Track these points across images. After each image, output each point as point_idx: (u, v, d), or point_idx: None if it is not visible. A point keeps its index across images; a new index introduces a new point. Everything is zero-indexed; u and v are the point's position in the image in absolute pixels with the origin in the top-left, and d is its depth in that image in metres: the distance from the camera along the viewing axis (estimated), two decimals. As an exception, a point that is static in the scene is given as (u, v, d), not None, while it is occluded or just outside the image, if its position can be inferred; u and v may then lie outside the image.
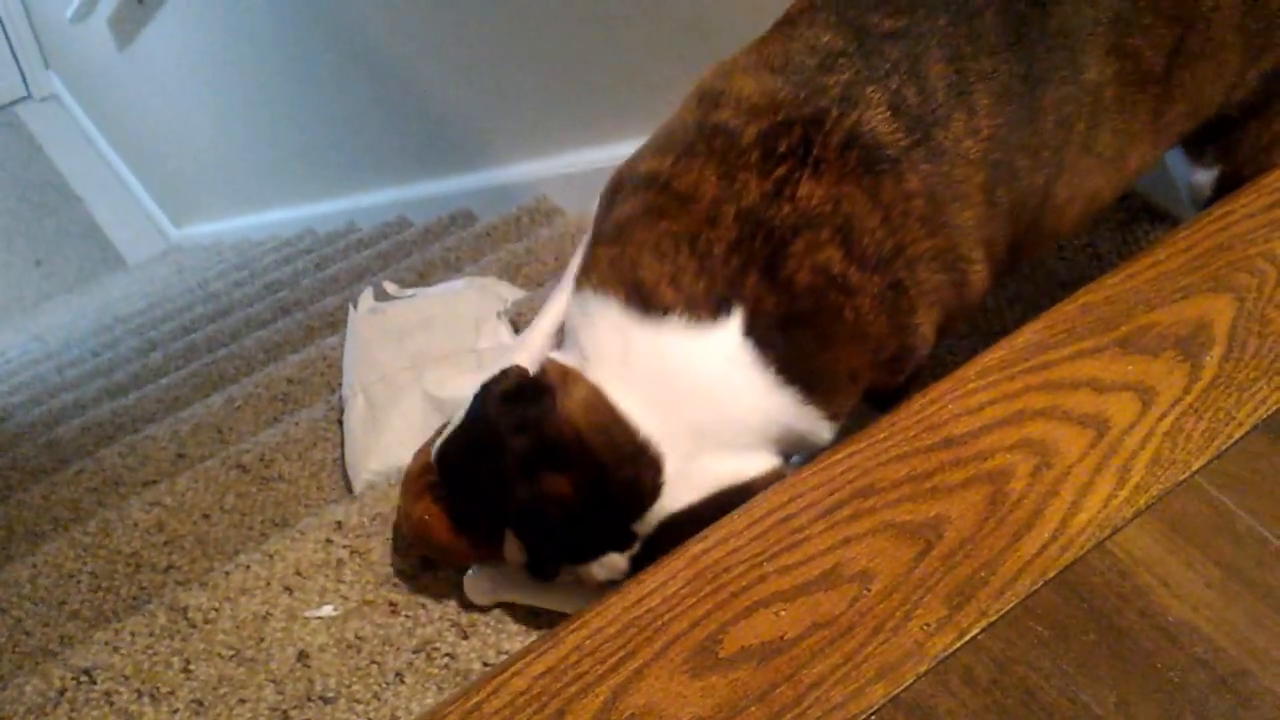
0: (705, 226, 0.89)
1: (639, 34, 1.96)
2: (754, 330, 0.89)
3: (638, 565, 0.97)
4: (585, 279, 0.96)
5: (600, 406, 0.93)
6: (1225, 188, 1.13)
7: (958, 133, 0.88)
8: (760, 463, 0.94)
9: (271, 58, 3.54)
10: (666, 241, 0.91)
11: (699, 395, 0.91)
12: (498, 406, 0.99)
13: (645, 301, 0.91)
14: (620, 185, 0.99)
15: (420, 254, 2.47)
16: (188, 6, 3.91)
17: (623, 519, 0.95)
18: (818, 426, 0.94)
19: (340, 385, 1.71)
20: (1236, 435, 0.87)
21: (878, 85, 0.87)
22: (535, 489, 0.95)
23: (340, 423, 1.63)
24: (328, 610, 1.19)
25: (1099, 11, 0.92)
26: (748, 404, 0.91)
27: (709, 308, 0.89)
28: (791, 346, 0.90)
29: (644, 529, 0.96)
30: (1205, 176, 1.14)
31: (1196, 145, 1.12)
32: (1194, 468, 0.85)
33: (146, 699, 1.15)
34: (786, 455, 0.98)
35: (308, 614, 1.19)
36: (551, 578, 1.04)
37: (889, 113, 0.87)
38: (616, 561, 0.98)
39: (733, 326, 0.89)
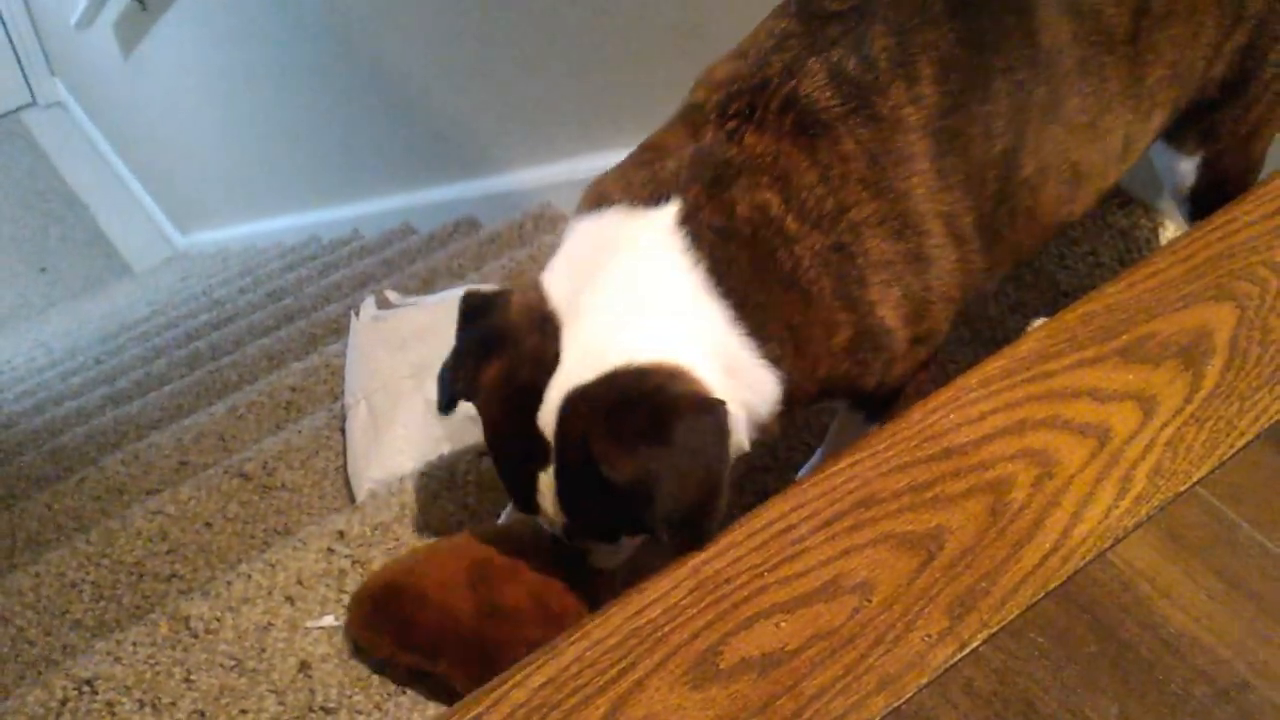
0: (664, 157, 0.95)
1: (642, 41, 1.96)
2: (689, 222, 0.90)
3: (564, 491, 0.92)
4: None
5: (533, 293, 0.95)
6: (1207, 177, 1.14)
7: (898, 100, 0.90)
8: (666, 349, 0.89)
9: (276, 64, 3.54)
10: (631, 170, 0.97)
11: (615, 263, 0.91)
12: (461, 321, 1.01)
13: (597, 204, 0.96)
14: None
15: (425, 261, 2.47)
16: (192, 12, 3.92)
17: (531, 402, 0.91)
18: (748, 354, 0.91)
19: (343, 393, 1.71)
20: (1238, 445, 0.87)
21: (819, 58, 0.91)
22: (476, 381, 0.95)
23: (343, 431, 1.63)
24: (329, 620, 1.19)
25: None
26: (669, 283, 0.90)
27: (647, 197, 0.92)
28: (725, 256, 0.90)
29: (545, 420, 0.90)
30: (1188, 165, 1.14)
31: (1179, 131, 1.12)
32: (1195, 478, 0.85)
33: (148, 709, 1.15)
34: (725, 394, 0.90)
35: (309, 624, 1.19)
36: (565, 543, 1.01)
37: (827, 81, 0.90)
38: (545, 487, 0.93)
39: (668, 211, 0.91)
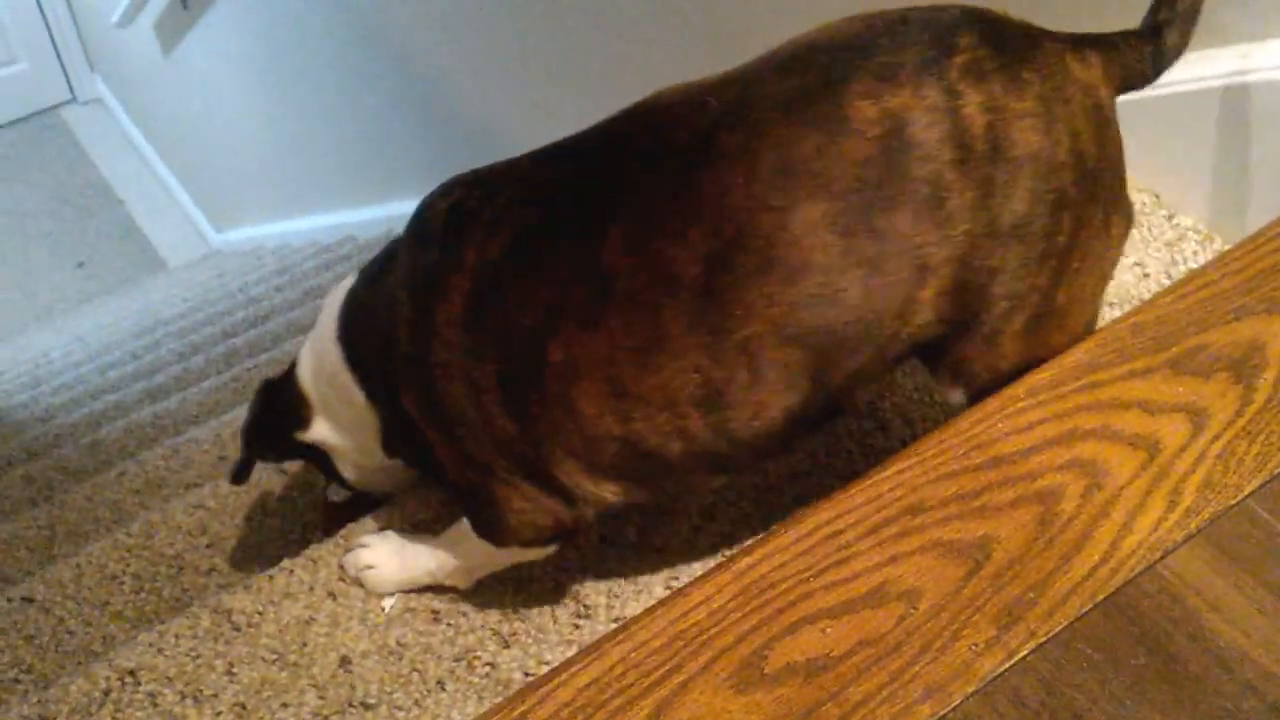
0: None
1: (671, 47, 1.97)
2: (347, 299, 1.18)
3: None
4: None
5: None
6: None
7: (469, 242, 1.00)
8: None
9: (314, 64, 3.57)
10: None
11: (324, 314, 1.21)
12: None
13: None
14: None
15: (460, 262, 2.48)
16: (232, 12, 3.95)
17: None
18: (354, 395, 1.17)
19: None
20: (1289, 459, 0.86)
21: (478, 192, 1.04)
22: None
23: (381, 429, 1.63)
24: (390, 602, 1.20)
25: (622, 196, 0.93)
26: (323, 336, 1.20)
27: (361, 267, 1.19)
28: (352, 321, 1.17)
29: None
30: (958, 397, 0.99)
31: (929, 365, 0.98)
32: (1246, 491, 0.85)
33: (190, 701, 1.16)
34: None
35: (382, 604, 1.21)
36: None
37: (451, 209, 1.04)
38: None
39: (345, 286, 1.20)
